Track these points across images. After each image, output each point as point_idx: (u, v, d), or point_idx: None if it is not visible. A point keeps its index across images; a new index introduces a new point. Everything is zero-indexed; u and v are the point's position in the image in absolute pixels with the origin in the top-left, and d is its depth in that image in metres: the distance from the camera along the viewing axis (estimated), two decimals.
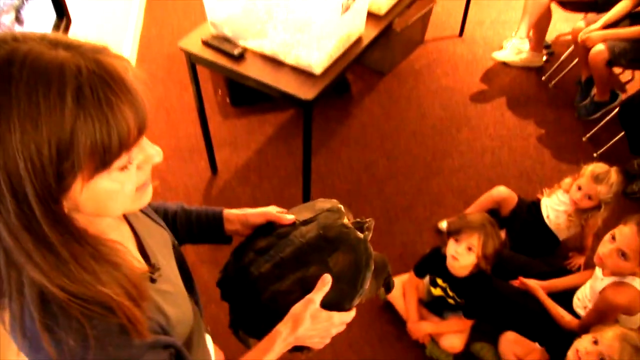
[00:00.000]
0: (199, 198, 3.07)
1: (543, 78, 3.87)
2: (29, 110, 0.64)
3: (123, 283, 0.78)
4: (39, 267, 0.71)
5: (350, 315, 1.14)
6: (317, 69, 2.29)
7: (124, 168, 0.74)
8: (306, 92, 2.25)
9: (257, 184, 3.16)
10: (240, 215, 1.27)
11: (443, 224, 2.90)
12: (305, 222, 1.20)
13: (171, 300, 0.97)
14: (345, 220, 1.18)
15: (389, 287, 1.31)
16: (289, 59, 2.34)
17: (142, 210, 1.09)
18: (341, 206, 1.22)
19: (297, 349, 1.16)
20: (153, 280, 0.94)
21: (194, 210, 1.30)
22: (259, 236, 1.24)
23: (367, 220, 1.23)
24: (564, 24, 4.25)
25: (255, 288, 1.17)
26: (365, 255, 1.15)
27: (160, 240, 1.10)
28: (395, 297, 2.56)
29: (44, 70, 0.65)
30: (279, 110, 3.60)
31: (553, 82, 3.80)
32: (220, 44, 2.41)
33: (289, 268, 1.14)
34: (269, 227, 1.23)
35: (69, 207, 0.74)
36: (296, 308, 1.08)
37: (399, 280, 2.54)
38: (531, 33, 3.83)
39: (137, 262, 0.92)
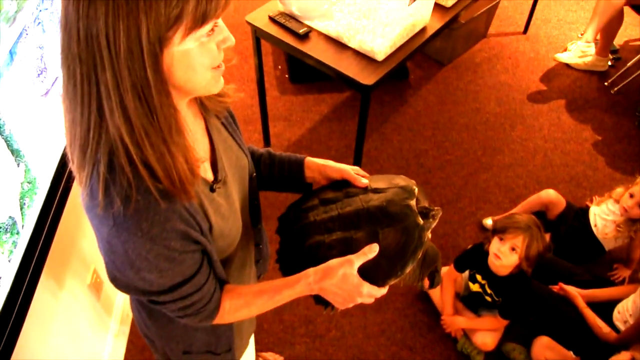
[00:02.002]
0: None
1: (606, 83, 3.79)
2: None
3: (185, 149, 0.91)
4: (126, 113, 0.82)
5: (380, 291, 1.15)
6: (380, 56, 2.31)
7: (210, 33, 0.86)
8: (366, 77, 2.27)
9: None
10: (320, 165, 1.32)
11: (488, 221, 2.90)
12: (376, 191, 1.22)
13: (221, 213, 1.07)
14: (412, 203, 1.19)
15: (433, 282, 1.32)
16: (353, 43, 2.36)
17: (228, 131, 1.19)
18: (416, 188, 1.23)
19: (322, 302, 1.20)
20: (212, 190, 1.05)
21: (279, 154, 1.38)
22: (330, 188, 1.29)
23: (435, 208, 1.23)
24: (636, 28, 4.14)
25: (304, 231, 1.22)
26: (416, 242, 1.16)
27: (236, 163, 1.19)
28: (433, 289, 2.58)
29: None
30: (336, 90, 3.63)
31: (616, 89, 3.72)
32: (286, 22, 2.45)
33: (341, 225, 1.18)
34: (343, 183, 1.28)
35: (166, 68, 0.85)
36: (333, 261, 1.11)
37: None
38: (598, 37, 3.74)
39: (204, 170, 1.04)
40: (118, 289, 1.02)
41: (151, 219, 0.89)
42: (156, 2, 0.76)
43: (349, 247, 1.14)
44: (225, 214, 1.09)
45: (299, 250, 1.22)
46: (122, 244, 0.90)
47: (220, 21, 0.88)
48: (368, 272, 1.12)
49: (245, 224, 1.25)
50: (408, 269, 1.16)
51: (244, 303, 1.14)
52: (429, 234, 1.23)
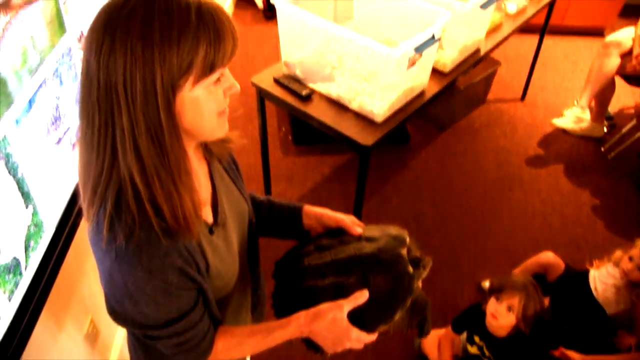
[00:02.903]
0: None
1: (602, 148, 3.86)
2: (168, 31, 0.84)
3: (191, 190, 0.97)
4: (139, 154, 0.89)
5: (369, 337, 1.18)
6: (379, 117, 2.37)
7: (217, 81, 0.94)
8: (366, 138, 2.33)
9: None
10: (317, 213, 1.38)
11: (486, 284, 2.90)
12: (369, 239, 1.27)
13: (218, 254, 1.12)
14: (403, 251, 1.23)
15: (422, 331, 1.34)
16: (353, 105, 2.43)
17: (230, 177, 1.26)
18: (407, 238, 1.28)
19: (313, 347, 1.22)
20: (211, 232, 1.11)
21: (278, 202, 1.44)
22: (326, 235, 1.33)
23: (426, 258, 1.28)
24: (628, 97, 4.25)
25: (299, 275, 1.26)
26: (406, 290, 1.20)
27: (236, 208, 1.25)
28: (430, 349, 2.57)
29: (176, 6, 0.86)
30: (338, 153, 3.71)
31: (613, 154, 3.79)
32: (290, 84, 2.54)
33: (334, 271, 1.22)
34: (339, 232, 1.32)
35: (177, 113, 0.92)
36: (324, 305, 1.14)
37: (435, 333, 2.56)
38: (593, 103, 3.85)
39: (205, 212, 1.10)
40: (116, 322, 1.05)
41: (151, 254, 0.94)
42: (169, 54, 0.84)
43: (341, 292, 1.18)
44: (223, 256, 1.13)
45: (293, 294, 1.26)
46: (122, 276, 0.95)
47: (226, 70, 0.95)
48: (358, 317, 1.15)
49: (243, 269, 1.28)
50: (397, 316, 1.20)
51: (237, 343, 1.17)
52: (419, 283, 1.27)
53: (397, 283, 1.19)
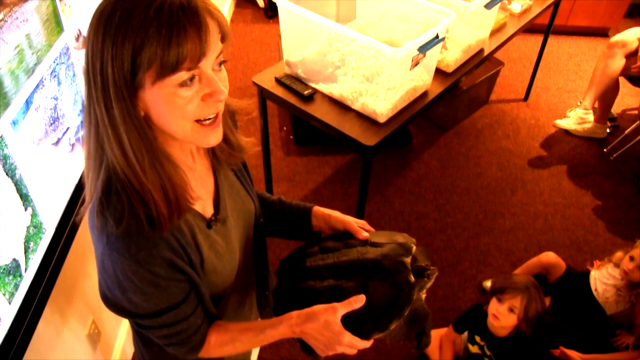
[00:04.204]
0: None
1: (605, 150, 3.86)
2: (124, 26, 0.83)
3: (166, 186, 0.95)
4: (111, 148, 0.91)
5: (362, 343, 1.15)
6: (382, 118, 2.36)
7: (183, 85, 0.88)
8: (368, 139, 2.32)
9: None
10: (325, 215, 1.36)
11: (488, 284, 2.90)
12: (374, 244, 1.25)
13: (215, 249, 1.12)
14: (407, 260, 1.21)
15: (420, 344, 1.31)
16: (356, 105, 2.42)
17: (237, 176, 1.25)
18: (414, 247, 1.25)
19: (306, 349, 1.20)
20: (209, 227, 1.11)
21: (289, 202, 1.43)
22: (333, 237, 1.32)
23: (431, 268, 1.26)
24: (632, 98, 4.25)
25: (299, 276, 1.26)
26: (405, 299, 1.17)
27: (242, 207, 1.24)
28: (432, 349, 2.57)
29: (140, 1, 0.84)
30: (340, 153, 3.70)
31: (615, 155, 3.79)
32: (292, 83, 2.53)
33: (334, 274, 1.21)
34: (346, 234, 1.31)
35: (143, 109, 0.91)
36: (318, 307, 1.12)
37: (436, 333, 2.56)
38: (596, 104, 3.84)
39: (203, 207, 1.11)
40: (108, 308, 1.06)
41: (139, 244, 0.94)
42: (120, 49, 0.84)
43: (338, 296, 1.16)
44: (221, 252, 1.13)
45: (291, 293, 1.25)
46: (112, 263, 0.96)
47: (208, 73, 0.90)
48: (353, 323, 1.13)
49: (247, 267, 1.28)
50: (393, 325, 1.17)
51: (229, 339, 1.16)
52: (422, 294, 1.25)
53: (396, 291, 1.17)
